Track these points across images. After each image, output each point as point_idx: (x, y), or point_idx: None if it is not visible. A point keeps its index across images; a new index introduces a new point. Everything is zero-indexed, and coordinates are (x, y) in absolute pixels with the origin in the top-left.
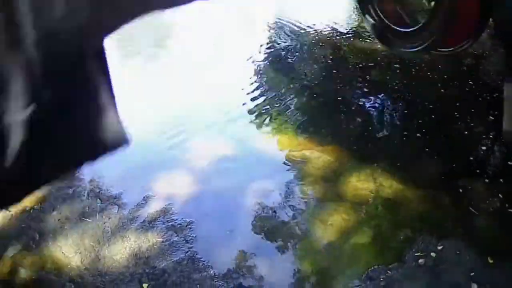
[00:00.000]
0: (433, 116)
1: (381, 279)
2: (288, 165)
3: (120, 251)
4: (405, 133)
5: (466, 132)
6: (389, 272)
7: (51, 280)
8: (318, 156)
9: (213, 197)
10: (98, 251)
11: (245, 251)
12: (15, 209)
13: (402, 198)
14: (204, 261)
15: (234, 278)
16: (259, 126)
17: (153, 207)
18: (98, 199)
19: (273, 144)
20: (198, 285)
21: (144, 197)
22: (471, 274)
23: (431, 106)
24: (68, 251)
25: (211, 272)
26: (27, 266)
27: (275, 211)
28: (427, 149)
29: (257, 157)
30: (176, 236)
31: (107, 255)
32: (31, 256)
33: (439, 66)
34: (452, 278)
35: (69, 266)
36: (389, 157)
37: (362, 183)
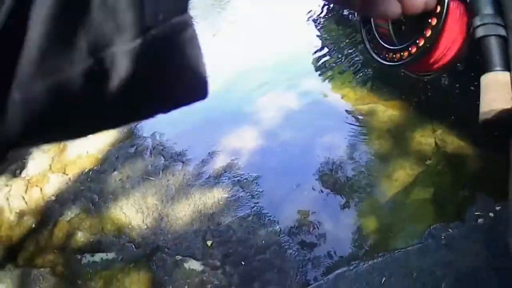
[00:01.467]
0: None
1: (442, 237)
2: (354, 119)
3: (184, 209)
4: (470, 91)
5: None
6: (449, 230)
7: (110, 241)
8: (384, 110)
9: (279, 151)
10: (161, 209)
11: (310, 206)
12: (72, 172)
13: (463, 155)
14: (269, 216)
15: (299, 234)
16: (324, 80)
17: (218, 163)
18: (162, 157)
19: (339, 98)
20: (263, 241)
21: (209, 153)
22: None
23: None
24: (129, 211)
25: (277, 227)
26: (85, 228)
27: (341, 166)
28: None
29: (323, 110)
30: (242, 191)
31: (170, 213)
32: (90, 218)
33: None
34: (506, 241)
35: (130, 227)
36: (452, 114)
37: (425, 139)
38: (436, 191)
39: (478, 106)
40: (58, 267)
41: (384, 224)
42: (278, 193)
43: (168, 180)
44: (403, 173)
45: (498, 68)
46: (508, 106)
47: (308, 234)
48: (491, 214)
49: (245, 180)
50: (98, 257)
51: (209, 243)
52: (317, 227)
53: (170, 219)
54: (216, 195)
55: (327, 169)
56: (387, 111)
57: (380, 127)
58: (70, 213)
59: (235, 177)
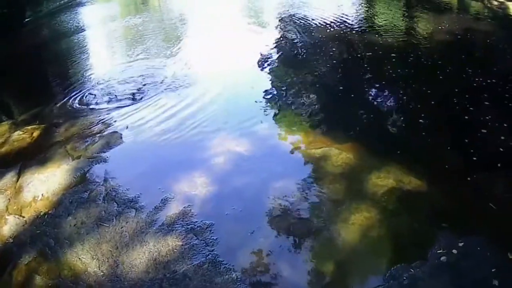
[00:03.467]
0: (447, 110)
1: (404, 278)
2: (308, 163)
3: (139, 256)
4: (421, 127)
5: (482, 126)
6: (412, 270)
7: (68, 287)
8: (337, 154)
9: (232, 197)
10: (116, 256)
11: (267, 252)
12: (28, 214)
13: (421, 194)
14: (225, 264)
15: (257, 282)
16: (273, 123)
17: (171, 210)
18: (115, 203)
19: (290, 141)
20: None
21: (162, 199)
22: (493, 270)
23: (446, 100)
24: (85, 257)
25: (233, 275)
26: (43, 273)
27: (296, 211)
28: (444, 144)
29: (275, 155)
30: (196, 239)
31: (125, 261)
32: (47, 263)
33: (452, 58)
34: (475, 276)
35: (86, 273)
36: (406, 152)
37: (381, 180)
38: (396, 232)
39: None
40: None
41: (343, 268)
42: (233, 240)
43: (122, 227)
44: (359, 217)
45: None
46: None
47: (266, 280)
48: (454, 251)
49: (198, 228)
50: None
51: None
52: (276, 273)
53: (126, 266)
54: (170, 243)
55: (282, 214)
56: (341, 155)
57: (334, 171)
58: (28, 257)
59: (189, 225)
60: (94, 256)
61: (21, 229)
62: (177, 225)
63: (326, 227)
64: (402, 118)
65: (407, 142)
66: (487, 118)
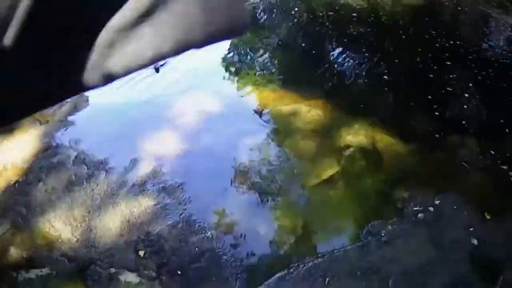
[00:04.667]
0: (413, 70)
1: (382, 235)
2: (277, 120)
3: (112, 219)
4: (388, 87)
5: (448, 87)
6: (389, 227)
7: (43, 256)
8: (307, 111)
9: (202, 155)
10: (89, 221)
11: (239, 210)
12: None
13: (395, 152)
14: (200, 223)
15: (231, 239)
16: (240, 82)
17: (141, 170)
18: (85, 165)
19: (258, 99)
20: (196, 249)
21: (131, 160)
22: (470, 229)
23: (411, 61)
24: (58, 224)
25: (208, 233)
26: (18, 245)
27: (267, 167)
28: (411, 105)
29: (245, 113)
30: (168, 198)
31: (98, 225)
32: (21, 233)
33: (416, 20)
34: (452, 234)
35: (60, 240)
36: (374, 111)
37: (353, 137)
38: (371, 190)
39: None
40: None
41: (317, 224)
42: (205, 198)
43: (92, 190)
44: (332, 173)
45: None
46: None
47: (241, 239)
48: (431, 209)
49: (170, 187)
50: (33, 273)
51: (141, 253)
52: (249, 232)
53: (99, 230)
54: (143, 204)
55: (252, 172)
56: (310, 112)
57: (304, 128)
58: (1, 229)
59: (160, 184)
60: (67, 222)
61: None
62: (148, 185)
63: (298, 184)
64: (368, 77)
65: (375, 101)
66: (454, 79)
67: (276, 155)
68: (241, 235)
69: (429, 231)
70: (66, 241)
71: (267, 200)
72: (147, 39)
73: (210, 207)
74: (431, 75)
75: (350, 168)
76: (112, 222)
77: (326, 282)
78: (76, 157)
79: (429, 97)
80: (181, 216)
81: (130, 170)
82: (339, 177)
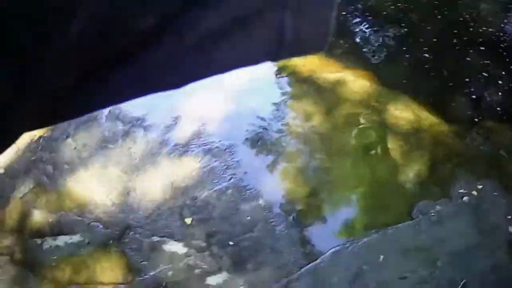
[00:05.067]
0: (448, 52)
1: (432, 214)
2: (325, 86)
3: (153, 181)
4: (428, 67)
5: (487, 74)
6: (437, 207)
7: (72, 221)
8: (353, 80)
9: (249, 117)
10: (126, 182)
11: (291, 178)
12: (20, 140)
13: (438, 132)
14: (250, 189)
15: (285, 209)
16: None
17: (184, 129)
18: (120, 122)
19: (303, 64)
20: (248, 217)
21: (172, 118)
22: (508, 217)
23: (448, 41)
24: (90, 184)
25: (260, 201)
26: (42, 207)
27: (319, 134)
28: (452, 86)
29: (291, 77)
30: (215, 161)
31: (137, 187)
32: (46, 194)
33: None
34: (491, 220)
35: (93, 203)
36: (417, 90)
37: (400, 112)
38: (418, 167)
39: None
40: (16, 254)
41: (372, 201)
42: (256, 163)
43: (129, 148)
44: (384, 146)
45: None
46: None
47: (294, 210)
48: (474, 193)
49: (216, 149)
50: (61, 240)
51: (188, 220)
52: (303, 202)
53: (139, 193)
54: (187, 166)
55: (303, 135)
56: (356, 81)
57: (351, 97)
58: (23, 188)
59: (206, 145)
60: (101, 183)
61: (13, 157)
62: (192, 146)
63: (352, 155)
64: (409, 54)
65: (416, 80)
66: (489, 65)
67: (326, 121)
68: (295, 205)
69: (472, 214)
70: (100, 204)
71: (322, 167)
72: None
73: (261, 173)
74: (468, 58)
75: (399, 143)
76: (153, 185)
77: (381, 259)
78: (109, 112)
79: (466, 79)
80: (230, 181)
81: (171, 129)
82: (390, 152)
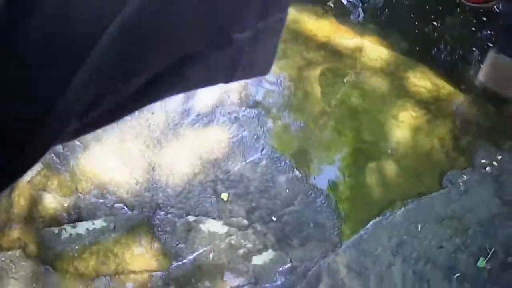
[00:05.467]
0: (462, 22)
1: (460, 184)
2: (343, 52)
3: (179, 155)
4: (441, 34)
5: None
6: (464, 176)
7: (92, 204)
8: (371, 47)
9: (273, 84)
10: (148, 157)
11: (326, 148)
12: None
13: (456, 101)
14: (285, 160)
15: (322, 180)
16: (299, 11)
17: (206, 97)
18: None
19: (317, 29)
20: (287, 190)
21: None
22: None
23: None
24: (108, 161)
25: (297, 172)
26: (54, 189)
27: (343, 101)
28: (463, 55)
29: (309, 42)
30: (244, 130)
31: (162, 162)
32: (57, 175)
33: None
34: None
35: (114, 182)
36: (433, 57)
37: (418, 80)
38: (441, 136)
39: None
40: (30, 247)
41: (403, 169)
42: (287, 132)
43: (147, 120)
44: (407, 115)
45: None
46: None
47: (332, 180)
48: (494, 163)
49: (244, 117)
50: (82, 227)
51: (224, 196)
52: (340, 173)
53: (165, 168)
54: (215, 136)
55: (326, 102)
56: (374, 48)
57: (371, 65)
58: (30, 171)
59: (232, 114)
60: (120, 159)
61: None
62: (217, 115)
63: (378, 122)
64: (421, 22)
65: (429, 48)
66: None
67: (352, 87)
68: (332, 176)
69: (494, 185)
70: (122, 183)
71: (355, 141)
72: None
73: (295, 143)
74: (473, 28)
75: (421, 112)
76: (179, 159)
77: (419, 228)
78: None
79: (474, 49)
80: (262, 152)
81: (190, 98)
82: (413, 120)
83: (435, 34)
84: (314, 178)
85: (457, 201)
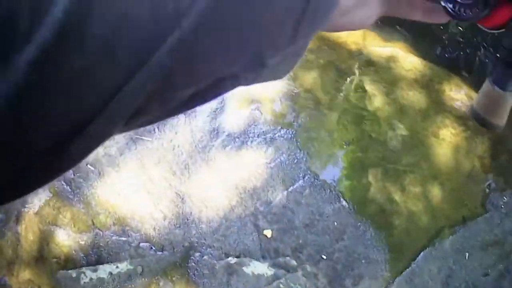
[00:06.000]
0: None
1: (502, 206)
2: (377, 62)
3: (210, 183)
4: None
5: None
6: (505, 198)
7: (114, 243)
8: (405, 56)
9: (308, 100)
10: (175, 186)
11: (368, 173)
12: None
13: None
14: (330, 189)
15: (370, 211)
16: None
17: (235, 114)
18: None
19: (352, 38)
20: (335, 223)
21: (218, 100)
22: None
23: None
24: (128, 191)
25: (343, 202)
26: (66, 223)
27: (382, 117)
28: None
29: (341, 51)
30: (281, 153)
31: (192, 192)
32: (70, 206)
33: None
34: None
35: (137, 216)
36: (466, 66)
37: (454, 94)
38: (480, 154)
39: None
40: None
41: (447, 193)
42: (329, 156)
43: (171, 141)
44: (447, 132)
45: None
46: None
47: (378, 210)
48: None
49: (280, 138)
50: (104, 271)
51: (267, 233)
52: (386, 201)
53: (195, 200)
54: (249, 161)
55: (364, 116)
56: (408, 58)
57: (406, 76)
58: (37, 200)
59: (266, 134)
60: (142, 188)
61: None
62: (250, 135)
63: (420, 140)
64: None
65: (459, 56)
66: None
67: (388, 102)
68: (379, 204)
69: None
70: (147, 217)
71: (394, 164)
72: None
73: (338, 168)
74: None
75: (460, 129)
76: (211, 187)
77: (466, 257)
78: None
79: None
80: (304, 179)
81: (218, 114)
82: (453, 138)
83: (469, 41)
84: (360, 208)
85: (499, 225)
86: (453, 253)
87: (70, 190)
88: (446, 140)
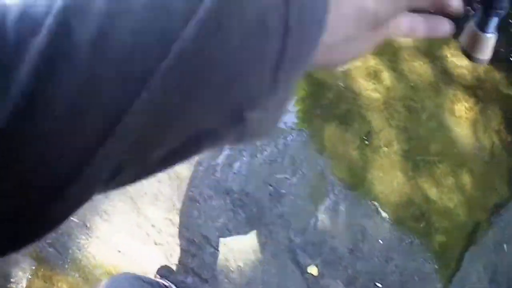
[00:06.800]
0: None
1: None
2: None
3: (224, 216)
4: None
5: None
6: None
7: None
8: None
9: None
10: (183, 229)
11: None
12: None
13: (496, 81)
14: (364, 198)
15: (408, 223)
16: None
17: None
18: None
19: None
20: (380, 241)
21: None
22: None
23: None
24: (127, 245)
25: (384, 215)
26: None
27: (388, 88)
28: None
29: None
30: (301, 163)
31: (206, 232)
32: (63, 275)
33: None
34: None
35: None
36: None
37: (457, 60)
38: (495, 129)
39: None
40: None
41: (477, 179)
42: (345, 155)
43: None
44: (461, 107)
45: None
46: None
47: (418, 216)
48: None
49: (301, 157)
50: None
51: (313, 270)
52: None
53: (214, 243)
54: (264, 176)
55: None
56: None
57: (407, 44)
58: (22, 272)
59: (276, 140)
60: (145, 237)
61: None
62: (258, 144)
63: (439, 122)
64: None
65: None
66: None
67: (397, 79)
68: (416, 209)
69: None
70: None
71: (420, 160)
72: None
73: (358, 169)
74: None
75: (472, 101)
76: (230, 223)
77: (505, 248)
78: None
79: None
80: (334, 192)
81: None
82: (468, 113)
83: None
84: (401, 217)
85: None
86: (494, 247)
87: (56, 253)
88: (463, 116)
